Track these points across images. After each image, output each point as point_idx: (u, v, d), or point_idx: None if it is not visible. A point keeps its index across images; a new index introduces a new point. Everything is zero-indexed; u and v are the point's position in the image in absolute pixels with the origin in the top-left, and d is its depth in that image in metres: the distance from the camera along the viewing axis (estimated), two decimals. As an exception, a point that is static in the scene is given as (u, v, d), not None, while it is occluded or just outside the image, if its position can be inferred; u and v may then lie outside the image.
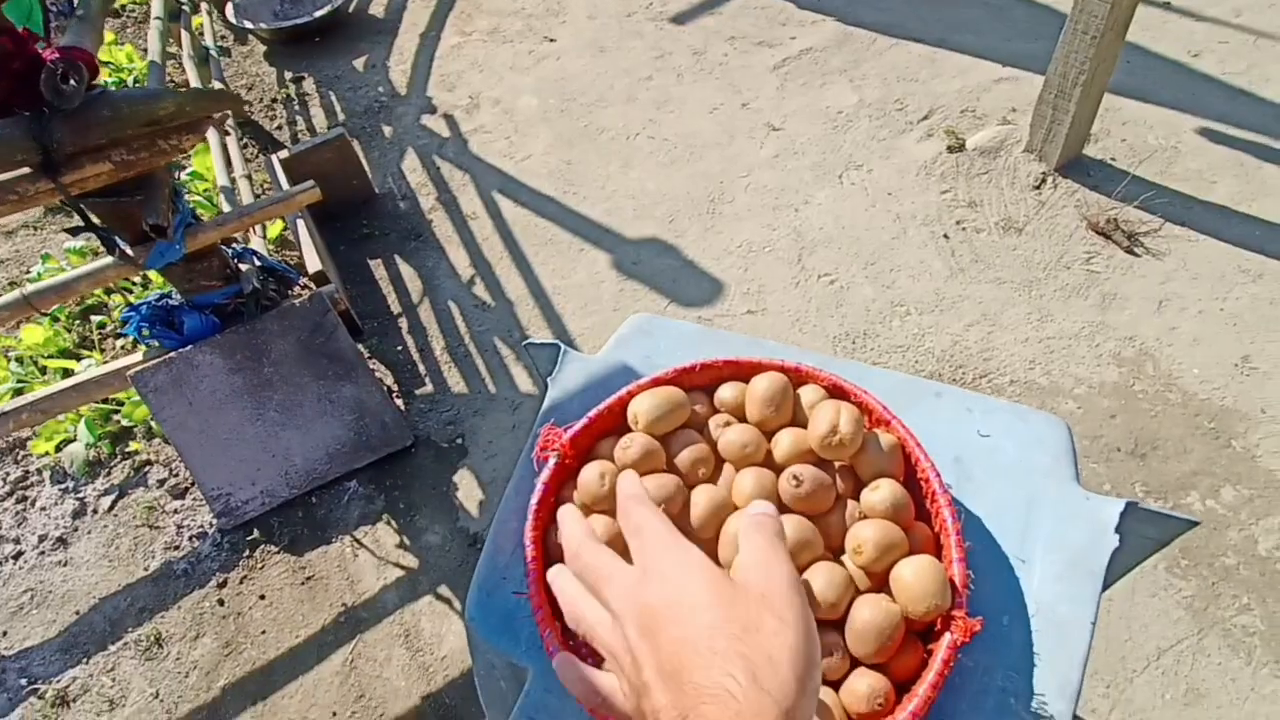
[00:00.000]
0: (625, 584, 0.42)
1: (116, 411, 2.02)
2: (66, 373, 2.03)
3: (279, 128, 2.96)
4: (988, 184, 2.25)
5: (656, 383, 0.80)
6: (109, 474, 1.97)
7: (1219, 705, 1.36)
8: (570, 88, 2.85)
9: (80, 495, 1.95)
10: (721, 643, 0.36)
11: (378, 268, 2.36)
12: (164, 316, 1.69)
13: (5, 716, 1.62)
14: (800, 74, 2.71)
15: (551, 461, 0.76)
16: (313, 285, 1.93)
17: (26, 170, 1.25)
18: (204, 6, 3.12)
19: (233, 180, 2.19)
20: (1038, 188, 2.20)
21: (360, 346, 2.07)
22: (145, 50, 2.91)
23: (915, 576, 0.64)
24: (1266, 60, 2.42)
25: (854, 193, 2.30)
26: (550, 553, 0.74)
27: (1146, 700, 1.37)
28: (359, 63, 3.18)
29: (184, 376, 1.70)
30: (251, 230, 2.07)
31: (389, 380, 2.07)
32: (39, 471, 2.01)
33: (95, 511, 1.92)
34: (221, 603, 1.73)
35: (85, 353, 2.17)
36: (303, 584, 1.74)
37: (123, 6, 3.57)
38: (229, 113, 2.86)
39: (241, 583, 1.76)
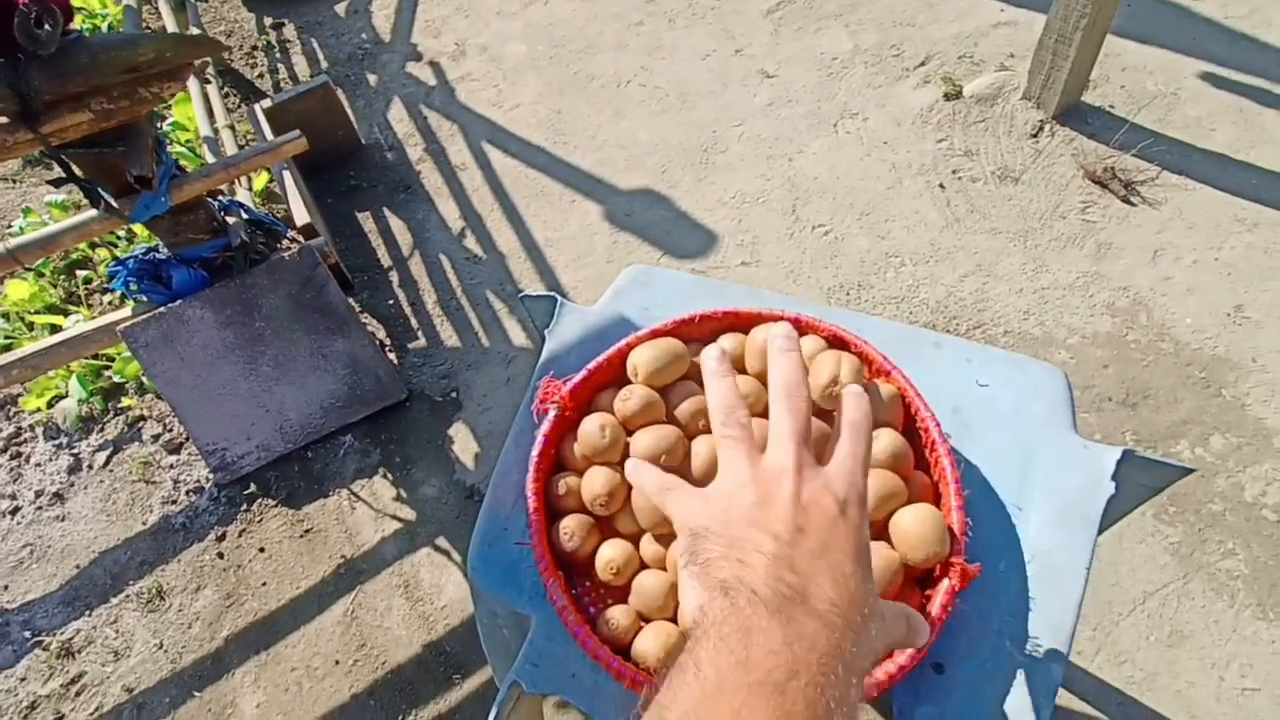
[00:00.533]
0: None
1: (107, 367, 2.01)
2: (54, 329, 2.00)
3: (260, 76, 2.88)
4: (984, 132, 2.22)
5: (655, 334, 0.79)
6: (102, 430, 1.97)
7: (1201, 646, 1.39)
8: (559, 34, 2.78)
9: (75, 451, 1.94)
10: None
11: (366, 220, 2.33)
12: (151, 271, 1.67)
13: (11, 667, 1.64)
14: (794, 19, 2.65)
15: (551, 414, 0.76)
16: (301, 238, 1.90)
17: (4, 120, 1.21)
18: (178, -52, 3.00)
19: (216, 131, 2.14)
20: (1035, 136, 2.17)
21: (351, 300, 2.05)
22: (119, -6, 2.81)
23: (914, 524, 0.64)
24: (1270, 4, 2.38)
25: (849, 142, 2.27)
26: (551, 503, 0.75)
27: (1131, 642, 1.41)
28: (340, 8, 3.08)
29: (174, 332, 1.69)
30: (237, 182, 2.03)
31: (381, 334, 2.05)
32: (31, 428, 2.00)
33: (90, 467, 1.92)
34: (221, 556, 1.75)
35: (72, 308, 2.14)
36: (301, 537, 1.75)
37: (93, -52, 3.43)
38: (209, 59, 2.78)
39: (240, 536, 1.77)
